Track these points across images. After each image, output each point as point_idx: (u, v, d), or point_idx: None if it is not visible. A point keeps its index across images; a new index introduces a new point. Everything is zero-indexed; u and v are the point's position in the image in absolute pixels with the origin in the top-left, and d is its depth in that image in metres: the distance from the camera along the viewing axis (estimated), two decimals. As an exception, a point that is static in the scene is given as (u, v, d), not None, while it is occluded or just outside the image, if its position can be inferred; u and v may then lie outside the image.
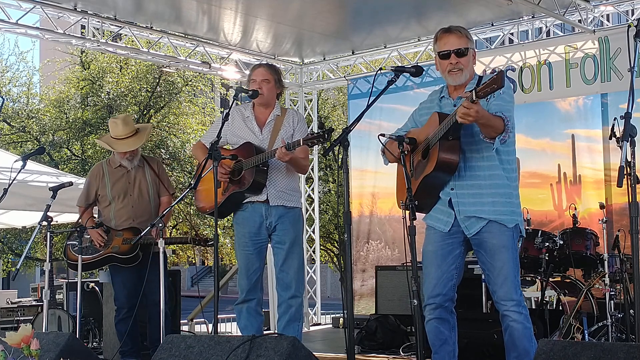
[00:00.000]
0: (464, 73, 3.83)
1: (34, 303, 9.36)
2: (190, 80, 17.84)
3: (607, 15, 7.98)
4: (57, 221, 7.53)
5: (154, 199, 5.93)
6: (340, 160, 3.60)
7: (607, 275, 5.64)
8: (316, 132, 4.38)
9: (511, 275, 3.72)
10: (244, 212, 4.85)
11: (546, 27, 8.06)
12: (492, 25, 8.17)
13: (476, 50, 4.13)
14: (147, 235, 5.26)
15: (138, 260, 5.70)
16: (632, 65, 3.28)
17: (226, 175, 4.78)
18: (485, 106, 3.68)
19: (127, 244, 5.68)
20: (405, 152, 3.79)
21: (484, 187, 3.76)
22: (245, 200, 4.83)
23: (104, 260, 5.83)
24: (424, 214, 3.95)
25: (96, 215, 6.05)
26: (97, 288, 7.61)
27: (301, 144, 4.46)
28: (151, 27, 8.38)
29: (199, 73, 16.00)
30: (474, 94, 3.37)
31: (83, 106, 18.00)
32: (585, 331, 5.45)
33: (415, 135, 3.92)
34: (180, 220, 17.56)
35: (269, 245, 4.96)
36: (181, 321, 7.66)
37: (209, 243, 5.85)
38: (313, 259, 10.14)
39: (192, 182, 4.66)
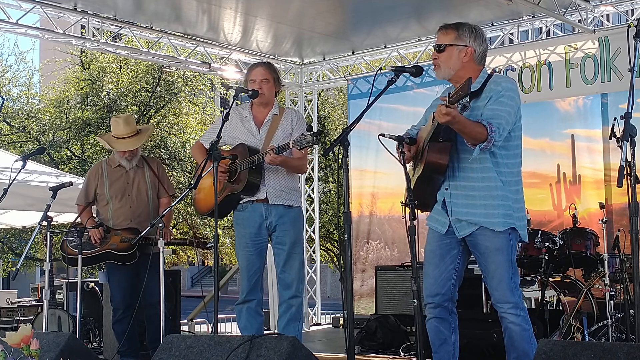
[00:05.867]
0: (442, 69, 3.82)
1: (34, 303, 9.36)
2: (190, 80, 17.82)
3: (607, 15, 7.98)
4: (57, 221, 7.52)
5: (152, 200, 5.92)
6: (340, 160, 3.61)
7: (607, 275, 5.64)
8: (305, 134, 4.35)
9: (506, 278, 3.71)
10: (244, 212, 4.84)
11: (546, 27, 8.06)
12: (492, 25, 8.17)
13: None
14: (148, 234, 5.26)
15: (135, 259, 5.70)
16: (632, 65, 3.27)
17: (225, 175, 4.78)
18: (481, 108, 3.68)
19: (126, 242, 5.68)
20: (405, 152, 3.80)
21: (476, 189, 3.75)
22: (245, 200, 4.82)
23: (101, 257, 5.82)
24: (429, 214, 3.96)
25: (95, 215, 6.05)
26: (97, 288, 7.62)
27: (290, 146, 4.45)
28: (151, 27, 8.38)
29: (199, 73, 15.99)
30: (447, 100, 3.42)
31: (83, 106, 17.98)
32: (585, 331, 5.45)
33: (420, 134, 3.94)
34: (180, 220, 17.55)
35: (269, 245, 4.97)
36: (181, 321, 7.66)
37: (208, 246, 5.86)
38: (313, 259, 10.14)
39: (191, 182, 4.65)
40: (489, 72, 3.91)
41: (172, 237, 5.96)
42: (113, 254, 5.74)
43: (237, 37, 8.74)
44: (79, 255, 5.72)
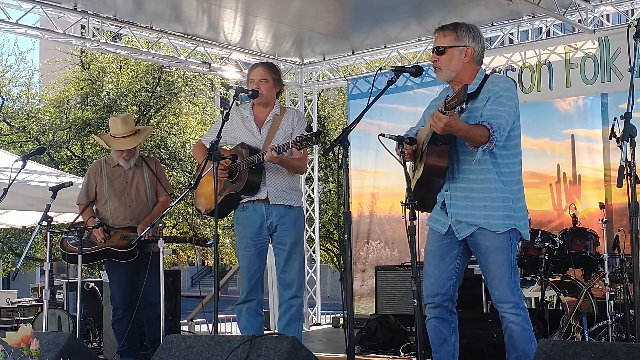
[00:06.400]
0: (443, 71, 3.83)
1: (34, 303, 9.36)
2: (190, 80, 17.83)
3: (607, 15, 7.98)
4: (57, 221, 7.52)
5: (151, 199, 5.93)
6: (340, 160, 3.61)
7: (607, 275, 5.64)
8: (305, 134, 4.36)
9: (506, 277, 3.72)
10: (244, 212, 4.83)
11: (546, 27, 8.06)
12: (492, 25, 8.17)
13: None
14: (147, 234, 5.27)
15: (134, 256, 5.70)
16: (632, 65, 3.27)
17: (224, 172, 4.77)
18: (481, 109, 3.68)
19: (125, 240, 5.69)
20: (405, 152, 3.80)
21: (476, 191, 3.75)
22: (245, 200, 4.82)
23: (100, 254, 5.81)
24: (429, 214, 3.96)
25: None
26: (97, 288, 7.62)
27: (290, 146, 4.45)
28: (151, 27, 8.38)
29: (199, 73, 15.99)
30: (443, 106, 3.42)
31: (83, 106, 17.99)
32: (585, 331, 5.45)
33: (420, 135, 3.94)
34: (181, 220, 17.56)
35: (270, 245, 4.97)
36: (181, 321, 7.65)
37: (208, 243, 5.86)
38: (313, 259, 10.14)
39: (192, 182, 4.65)
40: (488, 72, 3.91)
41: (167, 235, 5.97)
42: (113, 251, 5.74)
43: (237, 37, 8.74)
44: (79, 255, 5.72)
